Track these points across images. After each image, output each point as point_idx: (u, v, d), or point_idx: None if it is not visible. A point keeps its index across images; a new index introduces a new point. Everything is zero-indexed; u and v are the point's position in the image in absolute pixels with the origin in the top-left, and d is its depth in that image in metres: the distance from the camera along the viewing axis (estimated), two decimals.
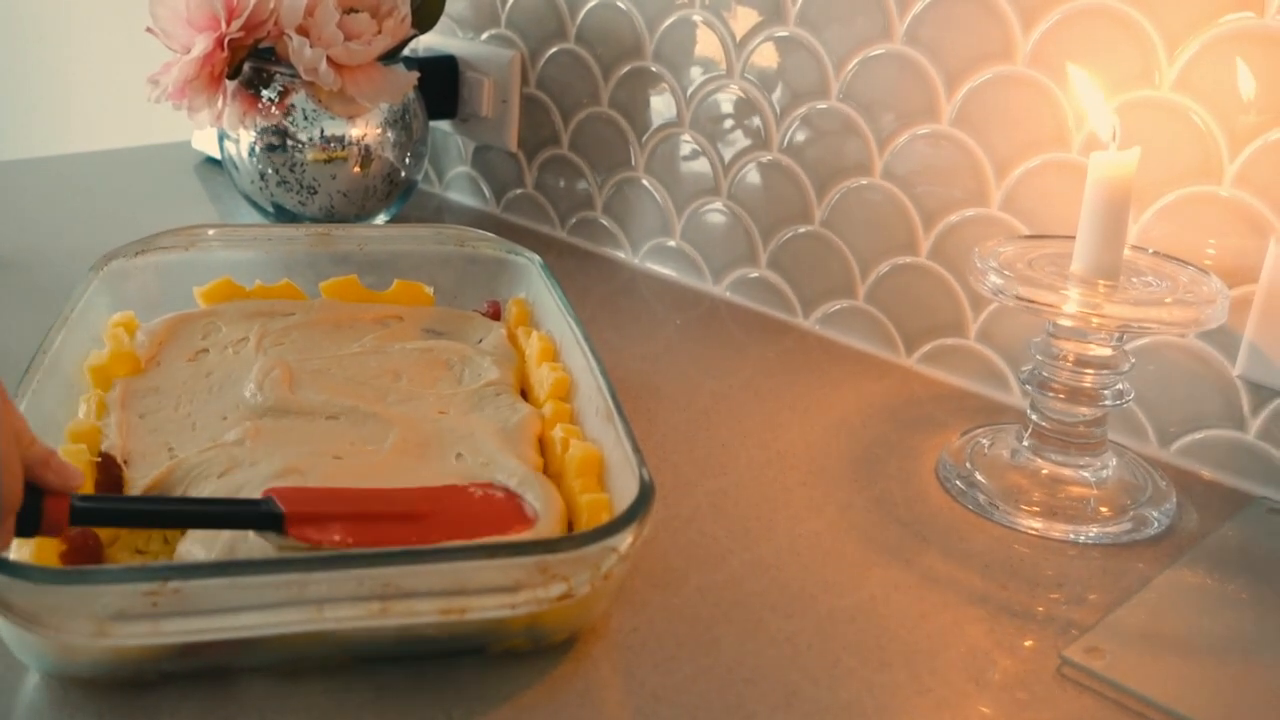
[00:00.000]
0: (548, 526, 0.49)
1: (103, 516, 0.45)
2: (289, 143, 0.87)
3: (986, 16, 0.69)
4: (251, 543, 0.45)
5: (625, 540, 0.43)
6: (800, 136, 0.81)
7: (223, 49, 0.80)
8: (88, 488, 0.51)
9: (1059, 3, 0.66)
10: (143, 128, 1.44)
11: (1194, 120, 0.62)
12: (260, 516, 0.45)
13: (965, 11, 0.70)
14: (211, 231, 0.70)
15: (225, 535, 0.45)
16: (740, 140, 0.84)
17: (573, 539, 0.42)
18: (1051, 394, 0.60)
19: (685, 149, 0.88)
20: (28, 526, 0.40)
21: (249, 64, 0.86)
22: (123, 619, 0.38)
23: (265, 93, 0.86)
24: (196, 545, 0.44)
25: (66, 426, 0.53)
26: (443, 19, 0.97)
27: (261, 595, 0.39)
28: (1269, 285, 0.60)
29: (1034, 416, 0.61)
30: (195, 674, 0.44)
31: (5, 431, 0.38)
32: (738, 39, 0.83)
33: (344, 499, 0.48)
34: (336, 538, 0.44)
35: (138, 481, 0.51)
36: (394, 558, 0.40)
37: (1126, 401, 0.59)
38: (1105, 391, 0.59)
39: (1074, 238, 0.59)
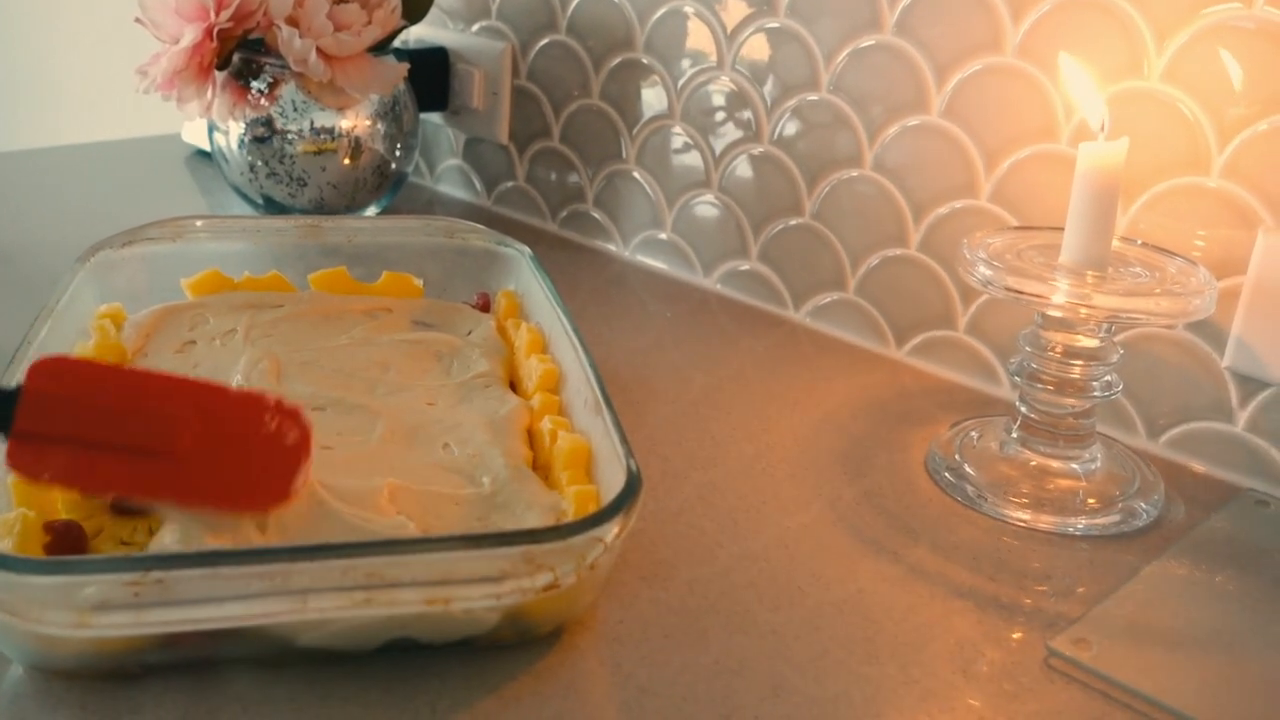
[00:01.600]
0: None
1: None
2: (278, 134, 0.87)
3: (976, 7, 0.69)
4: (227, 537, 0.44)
5: (611, 531, 0.43)
6: (791, 129, 0.81)
7: (212, 40, 0.80)
8: None
9: None
10: (134, 120, 1.44)
11: (1182, 111, 0.62)
12: None
13: (955, 2, 0.70)
14: (199, 223, 0.70)
15: (195, 531, 0.44)
16: (731, 132, 0.84)
17: (558, 529, 0.42)
18: (1040, 385, 0.60)
19: (676, 141, 0.88)
20: None
21: (238, 55, 0.86)
22: (104, 610, 0.38)
23: (255, 84, 0.86)
24: (169, 539, 0.44)
25: None
26: (433, 10, 0.96)
27: (244, 585, 0.38)
28: (1257, 277, 0.60)
29: (1023, 408, 0.61)
30: (179, 665, 0.43)
31: None
32: (728, 30, 0.82)
33: (101, 412, 0.43)
34: (47, 477, 0.42)
35: None
36: (379, 547, 0.40)
37: (1115, 393, 0.59)
38: (1094, 383, 0.59)
39: (1063, 229, 0.59)
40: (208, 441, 0.44)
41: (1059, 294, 0.56)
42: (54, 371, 0.43)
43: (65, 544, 0.46)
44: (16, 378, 0.50)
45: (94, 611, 0.38)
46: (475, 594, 0.41)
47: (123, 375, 0.45)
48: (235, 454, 0.44)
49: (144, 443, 0.43)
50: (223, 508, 0.44)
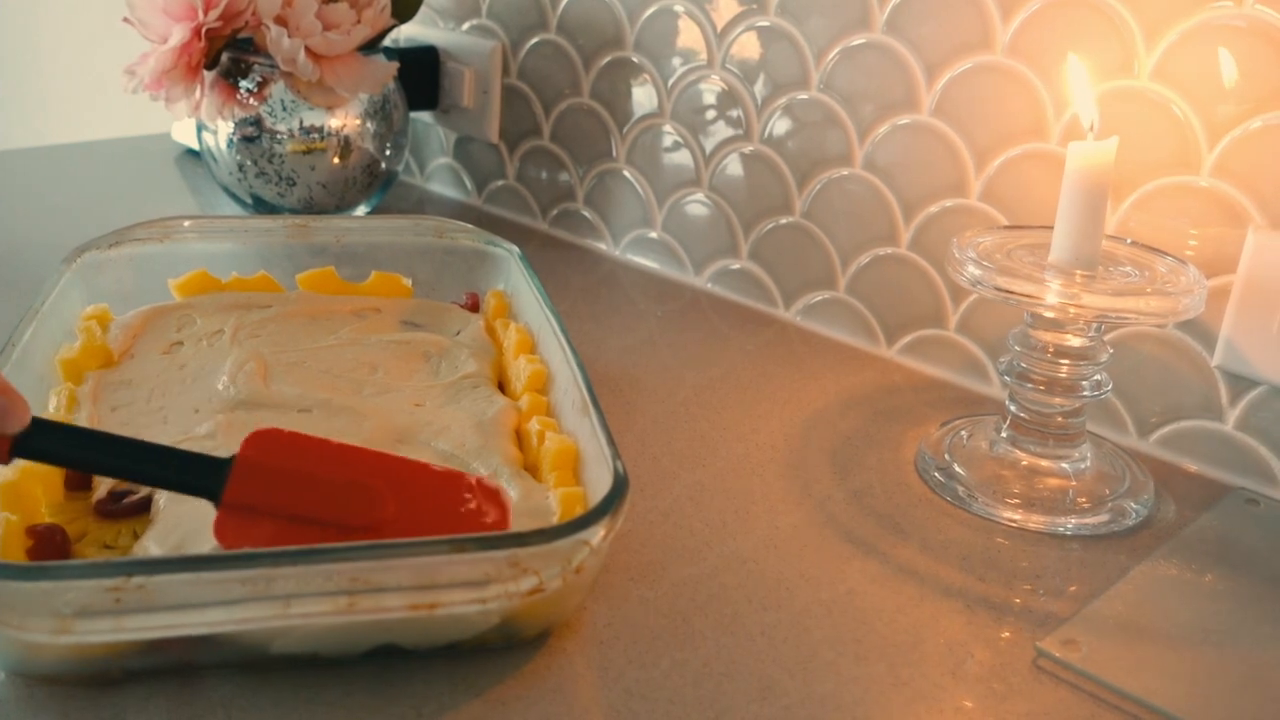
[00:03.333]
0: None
1: (37, 449, 0.43)
2: (267, 134, 0.87)
3: (966, 5, 0.69)
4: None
5: (597, 534, 0.42)
6: (781, 127, 0.80)
7: (200, 39, 0.80)
8: (57, 482, 0.50)
9: None
10: (124, 119, 1.43)
11: (1173, 110, 0.62)
12: (200, 485, 0.43)
13: (944, 0, 0.70)
14: (187, 223, 0.69)
15: (176, 535, 0.44)
16: (721, 131, 0.84)
17: (543, 532, 0.41)
18: (1030, 385, 0.60)
19: (666, 140, 0.88)
20: None
21: (227, 54, 0.85)
22: (85, 615, 0.37)
23: (243, 83, 0.86)
24: (151, 543, 0.44)
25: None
26: (423, 9, 0.96)
27: (226, 591, 0.38)
28: (1247, 276, 0.60)
29: (1012, 408, 0.61)
30: (162, 671, 0.43)
31: None
32: (718, 29, 0.82)
33: (308, 485, 0.44)
34: (248, 548, 0.42)
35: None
36: (361, 551, 0.40)
37: (1105, 393, 0.59)
38: (1083, 382, 0.59)
39: (1053, 228, 0.58)
40: (407, 517, 0.44)
41: (1048, 294, 0.55)
42: (265, 444, 0.45)
43: (48, 548, 0.45)
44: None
45: (75, 617, 0.37)
46: (459, 598, 0.40)
47: (328, 448, 0.46)
48: (433, 531, 0.44)
49: (345, 518, 0.44)
50: None
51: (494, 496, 0.46)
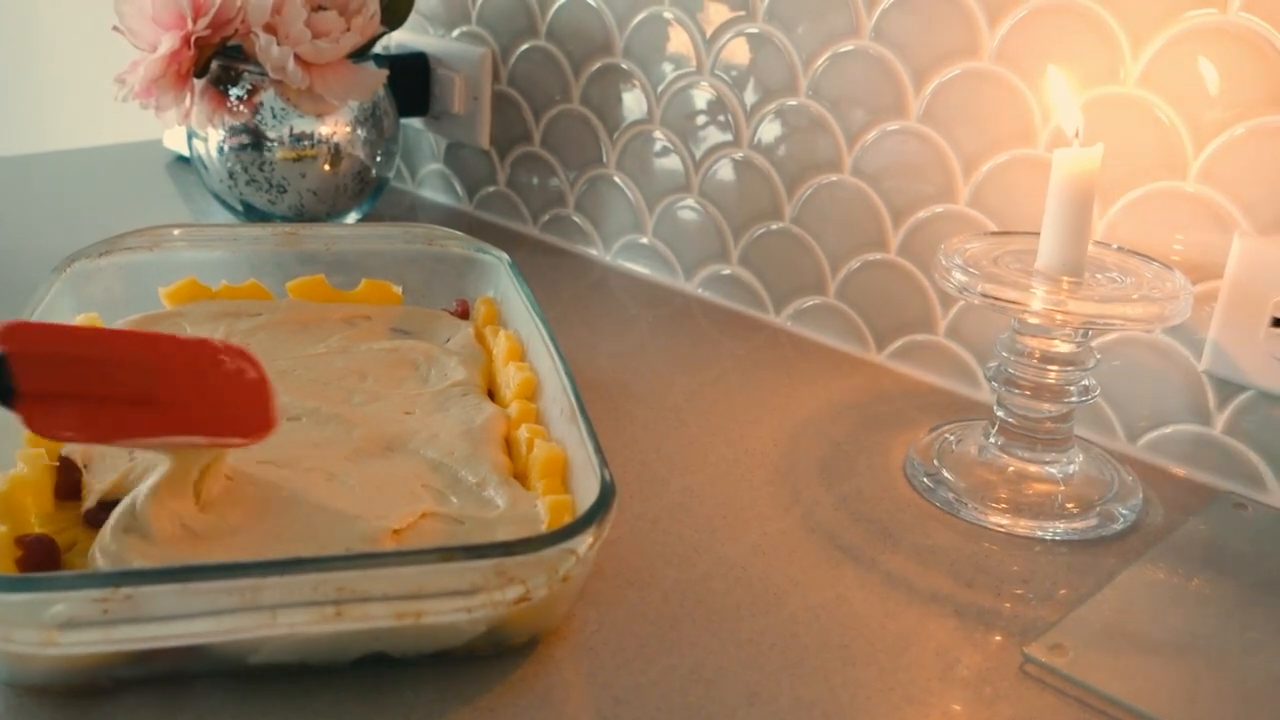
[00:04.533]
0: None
1: None
2: (258, 141, 0.87)
3: (953, 12, 0.69)
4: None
5: (584, 543, 0.42)
6: (770, 133, 0.81)
7: (189, 47, 0.80)
8: (46, 492, 0.50)
9: None
10: (116, 126, 1.43)
11: (1159, 116, 0.62)
12: None
13: (932, 7, 0.70)
14: (177, 231, 0.70)
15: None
16: (711, 137, 0.84)
17: (530, 541, 0.42)
18: (1017, 391, 0.60)
19: (657, 146, 0.88)
20: None
21: (217, 62, 0.85)
22: (72, 627, 0.37)
23: (233, 91, 0.86)
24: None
25: (25, 431, 0.52)
26: (413, 16, 0.96)
27: (214, 601, 0.38)
28: (1233, 281, 0.61)
29: (1000, 413, 0.61)
30: (151, 681, 0.43)
31: None
32: (708, 35, 0.82)
33: (84, 365, 0.43)
34: (69, 434, 0.43)
35: (95, 485, 0.50)
36: (349, 561, 0.40)
37: (1092, 398, 0.60)
38: (1071, 388, 0.59)
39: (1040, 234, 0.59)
40: (184, 385, 0.46)
41: (1034, 300, 0.56)
42: (21, 334, 0.43)
43: (38, 558, 0.45)
44: None
45: (62, 629, 0.37)
46: (446, 607, 0.40)
47: (85, 332, 0.47)
48: (212, 394, 0.46)
49: (131, 392, 0.44)
50: (221, 440, 0.46)
51: (243, 355, 0.47)
